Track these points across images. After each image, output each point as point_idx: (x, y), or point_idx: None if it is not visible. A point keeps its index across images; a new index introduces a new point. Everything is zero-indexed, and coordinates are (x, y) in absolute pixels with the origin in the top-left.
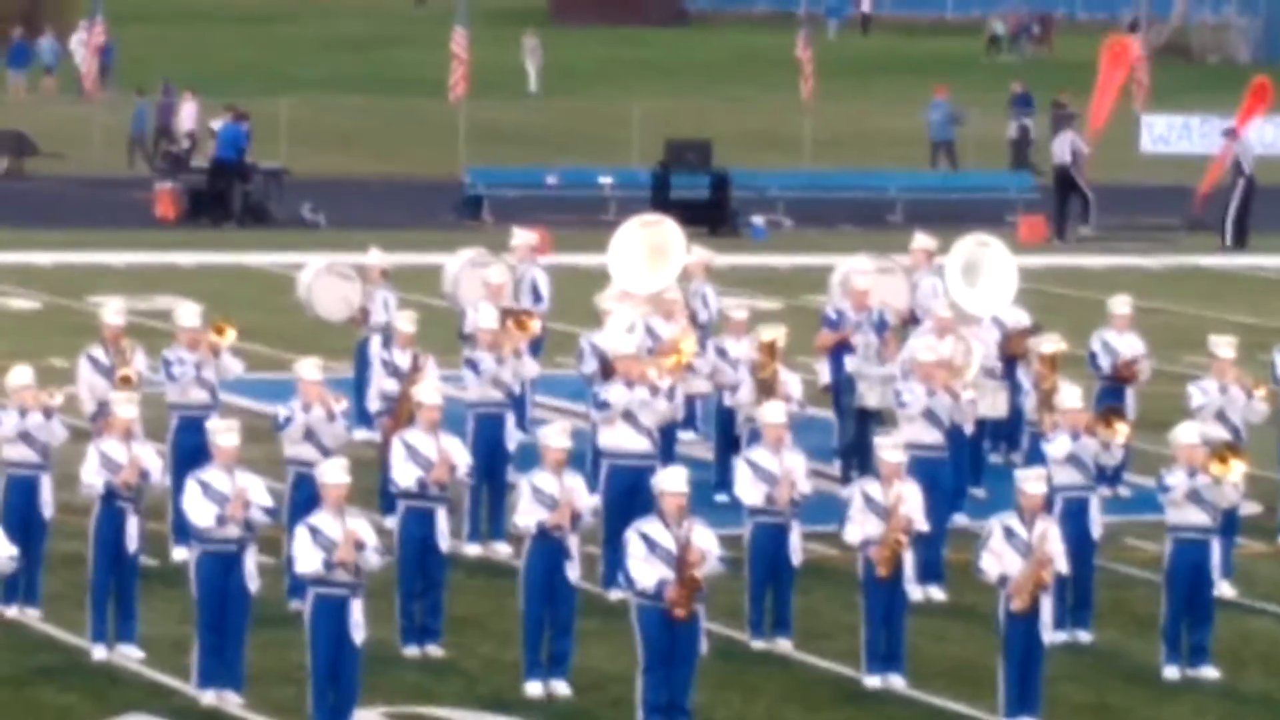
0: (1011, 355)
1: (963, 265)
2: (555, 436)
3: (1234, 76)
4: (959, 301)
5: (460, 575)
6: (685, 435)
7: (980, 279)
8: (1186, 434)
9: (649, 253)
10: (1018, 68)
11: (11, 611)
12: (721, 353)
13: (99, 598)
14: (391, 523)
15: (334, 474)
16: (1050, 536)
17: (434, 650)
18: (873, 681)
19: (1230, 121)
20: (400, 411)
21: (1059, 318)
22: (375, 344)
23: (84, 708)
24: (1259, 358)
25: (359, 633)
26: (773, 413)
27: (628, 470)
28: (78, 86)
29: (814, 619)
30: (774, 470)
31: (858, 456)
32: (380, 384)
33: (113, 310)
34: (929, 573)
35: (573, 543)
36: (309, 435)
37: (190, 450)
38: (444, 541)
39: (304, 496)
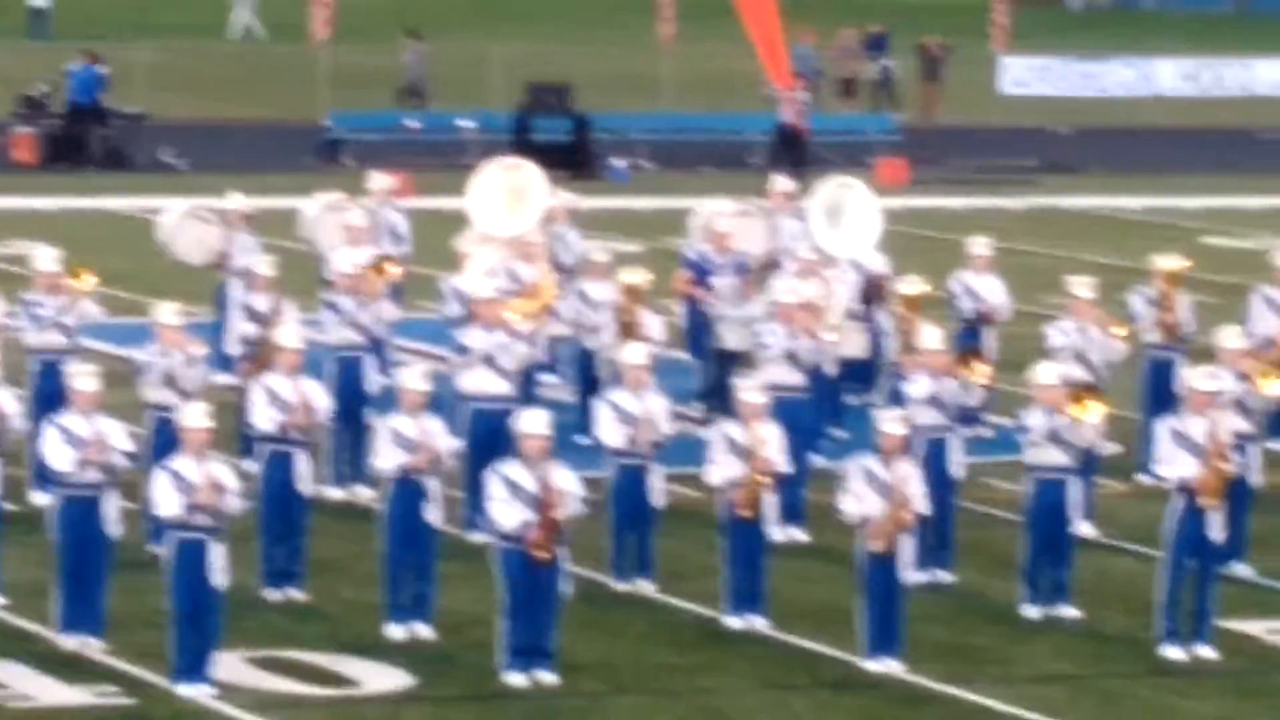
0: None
1: (825, 207)
2: (413, 379)
3: (1096, 20)
4: (822, 243)
5: (322, 519)
6: (546, 378)
7: (843, 221)
8: (1045, 374)
9: (509, 196)
10: (878, 7)
11: None
12: (583, 296)
13: None
14: (252, 466)
15: (194, 418)
16: (910, 477)
17: (296, 594)
18: (735, 622)
19: (1089, 65)
20: (260, 355)
21: (919, 259)
22: (235, 288)
23: None
24: (1117, 298)
25: (220, 576)
26: (633, 355)
27: (489, 413)
28: None
29: (676, 561)
30: (635, 412)
31: (719, 398)
32: (240, 328)
33: None
34: (790, 514)
35: (433, 485)
36: (168, 380)
37: (50, 395)
38: (305, 485)
39: (164, 441)
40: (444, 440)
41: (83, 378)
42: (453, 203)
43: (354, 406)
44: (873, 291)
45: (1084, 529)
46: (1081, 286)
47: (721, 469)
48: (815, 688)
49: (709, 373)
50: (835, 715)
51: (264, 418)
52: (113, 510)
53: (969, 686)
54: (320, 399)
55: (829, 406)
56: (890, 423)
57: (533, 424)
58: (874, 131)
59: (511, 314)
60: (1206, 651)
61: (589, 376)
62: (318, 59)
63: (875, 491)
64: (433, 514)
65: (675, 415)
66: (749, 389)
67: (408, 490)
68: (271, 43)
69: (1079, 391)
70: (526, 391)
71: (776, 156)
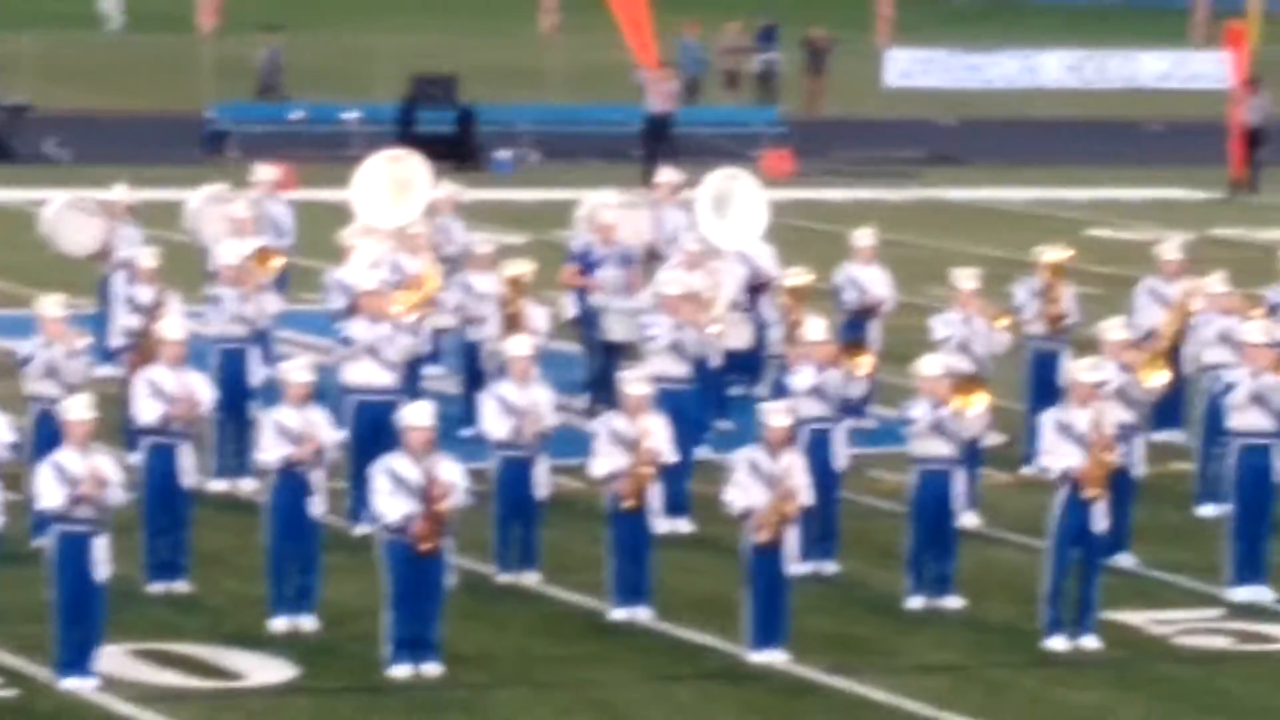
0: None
1: (712, 198)
2: (297, 371)
3: (980, 12)
4: (708, 235)
5: (206, 511)
6: (431, 370)
7: (729, 212)
8: (929, 366)
9: (393, 188)
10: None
11: None
12: (467, 287)
13: None
14: (135, 459)
15: (77, 410)
16: (794, 468)
17: (179, 586)
18: (619, 614)
19: (974, 57)
20: (143, 348)
21: (804, 251)
22: (118, 280)
23: None
24: (1002, 290)
25: (103, 569)
26: (518, 346)
27: (373, 405)
28: None
29: (561, 553)
30: (520, 404)
31: (604, 390)
32: (123, 320)
33: None
34: (675, 505)
35: (317, 477)
36: (51, 372)
37: None
38: (188, 477)
39: (47, 433)
40: (327, 432)
41: None
42: (337, 194)
43: (237, 399)
44: (758, 283)
45: (968, 520)
46: (966, 278)
47: (606, 461)
48: (700, 679)
49: (594, 364)
50: (720, 706)
51: (147, 410)
52: None
53: (853, 677)
54: (203, 391)
55: (713, 398)
56: (774, 414)
57: (417, 416)
58: (758, 123)
59: (395, 306)
60: (1090, 642)
61: (473, 368)
62: (203, 50)
63: (760, 483)
64: (316, 506)
65: (560, 407)
66: (634, 380)
67: (291, 482)
68: (150, 33)
69: (963, 383)
70: (410, 383)
71: (647, 147)
